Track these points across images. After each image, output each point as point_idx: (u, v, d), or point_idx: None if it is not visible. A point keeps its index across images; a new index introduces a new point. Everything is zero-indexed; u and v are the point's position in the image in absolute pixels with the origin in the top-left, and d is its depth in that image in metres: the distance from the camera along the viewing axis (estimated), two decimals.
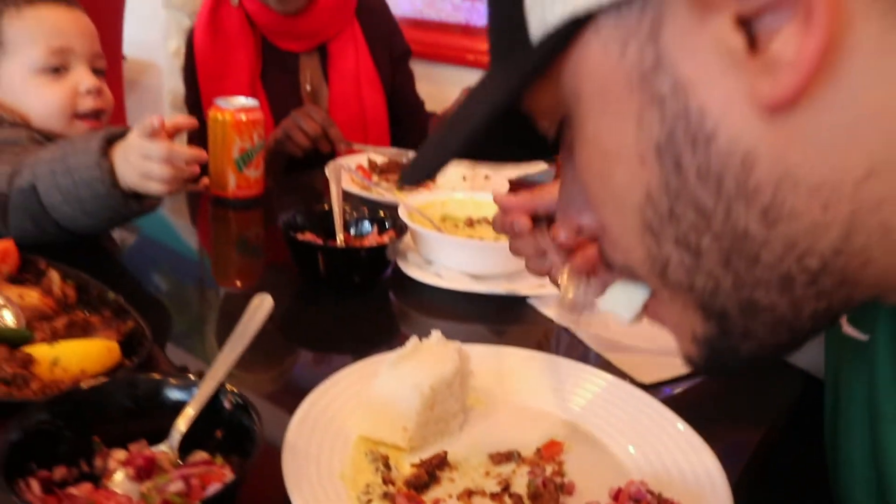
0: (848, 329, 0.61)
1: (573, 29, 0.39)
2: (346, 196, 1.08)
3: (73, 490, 0.48)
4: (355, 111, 1.66)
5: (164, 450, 0.53)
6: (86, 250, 0.98)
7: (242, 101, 1.23)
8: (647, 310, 0.49)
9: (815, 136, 0.34)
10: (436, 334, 0.66)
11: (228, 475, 0.50)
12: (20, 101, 1.11)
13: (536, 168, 1.60)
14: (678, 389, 0.75)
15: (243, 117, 1.20)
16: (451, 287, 0.95)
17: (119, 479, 0.51)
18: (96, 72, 1.15)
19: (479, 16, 2.26)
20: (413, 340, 0.65)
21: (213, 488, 0.48)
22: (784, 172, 0.36)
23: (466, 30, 2.28)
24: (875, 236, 0.36)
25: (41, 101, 1.10)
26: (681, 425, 0.64)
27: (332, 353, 0.82)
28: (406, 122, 1.82)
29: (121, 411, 0.55)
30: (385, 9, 1.82)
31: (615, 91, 0.39)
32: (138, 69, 3.13)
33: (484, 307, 0.93)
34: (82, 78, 1.12)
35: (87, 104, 1.12)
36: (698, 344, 0.44)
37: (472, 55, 2.24)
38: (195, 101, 1.63)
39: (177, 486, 0.47)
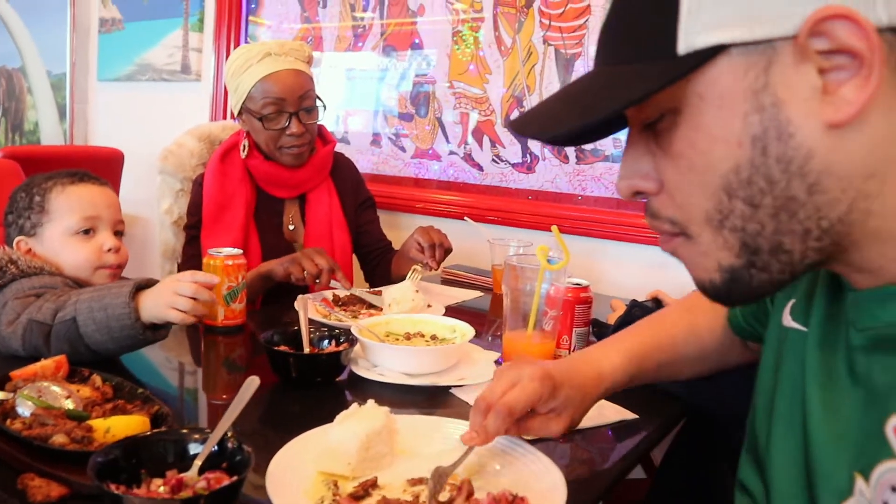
0: (788, 321, 0.77)
1: (714, 52, 0.56)
2: (311, 322, 1.38)
3: (135, 490, 0.76)
4: (327, 248, 1.98)
5: (190, 475, 0.81)
6: (108, 369, 1.25)
7: (229, 250, 1.55)
8: (673, 249, 0.65)
9: (848, 147, 0.55)
10: (370, 402, 0.96)
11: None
12: (58, 256, 1.42)
13: (472, 295, 1.93)
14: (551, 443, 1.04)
15: (230, 262, 1.51)
16: (392, 381, 1.23)
17: (161, 492, 0.79)
18: (117, 234, 1.48)
19: (424, 171, 2.64)
20: (354, 405, 0.95)
21: (223, 485, 0.76)
22: (827, 164, 0.55)
23: (417, 182, 2.66)
24: (860, 217, 0.57)
25: (74, 256, 1.42)
26: (539, 454, 0.93)
27: (300, 428, 1.10)
28: (375, 257, 2.18)
29: (160, 452, 0.82)
30: (353, 167, 2.23)
31: (732, 98, 0.56)
32: (128, 221, 3.48)
33: (417, 396, 1.21)
34: (105, 239, 1.44)
35: (109, 259, 1.44)
36: (723, 272, 0.61)
37: (421, 204, 2.60)
38: (195, 224, 1.96)
39: (202, 484, 0.76)
